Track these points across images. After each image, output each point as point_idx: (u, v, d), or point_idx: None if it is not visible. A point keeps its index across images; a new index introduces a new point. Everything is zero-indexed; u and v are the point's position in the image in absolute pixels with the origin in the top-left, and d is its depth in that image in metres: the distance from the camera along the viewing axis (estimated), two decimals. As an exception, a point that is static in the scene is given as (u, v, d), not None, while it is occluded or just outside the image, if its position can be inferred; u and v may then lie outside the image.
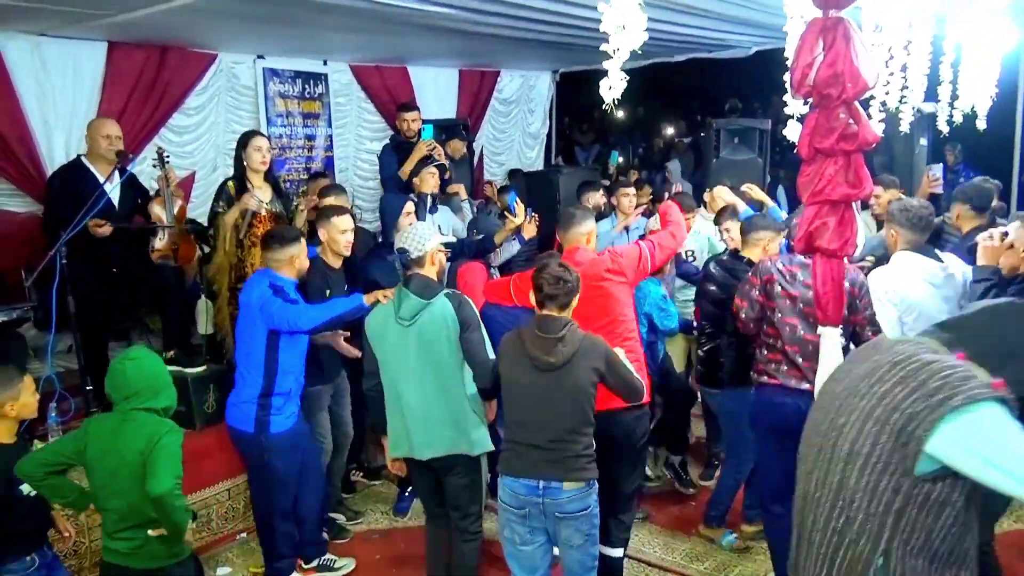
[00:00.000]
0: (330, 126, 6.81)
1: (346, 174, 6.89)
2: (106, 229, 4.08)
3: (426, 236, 3.18)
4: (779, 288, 3.24)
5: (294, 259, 3.46)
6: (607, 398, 2.90)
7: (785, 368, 3.21)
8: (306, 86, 6.57)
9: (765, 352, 3.32)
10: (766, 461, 3.40)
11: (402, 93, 7.06)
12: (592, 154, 11.35)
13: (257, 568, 3.85)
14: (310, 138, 6.69)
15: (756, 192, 4.67)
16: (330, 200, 4.31)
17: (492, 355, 3.06)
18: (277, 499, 3.54)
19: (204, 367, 4.30)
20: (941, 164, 6.48)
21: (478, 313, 3.15)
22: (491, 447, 3.16)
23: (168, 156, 4.46)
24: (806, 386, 3.07)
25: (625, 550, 3.47)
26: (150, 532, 2.58)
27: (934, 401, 1.47)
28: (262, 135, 4.51)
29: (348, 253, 3.83)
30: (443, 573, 3.33)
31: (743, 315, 3.39)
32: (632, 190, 5.47)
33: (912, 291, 3.11)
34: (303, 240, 3.56)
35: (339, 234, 3.77)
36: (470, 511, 3.20)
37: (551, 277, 2.76)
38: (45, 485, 2.69)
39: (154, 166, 4.40)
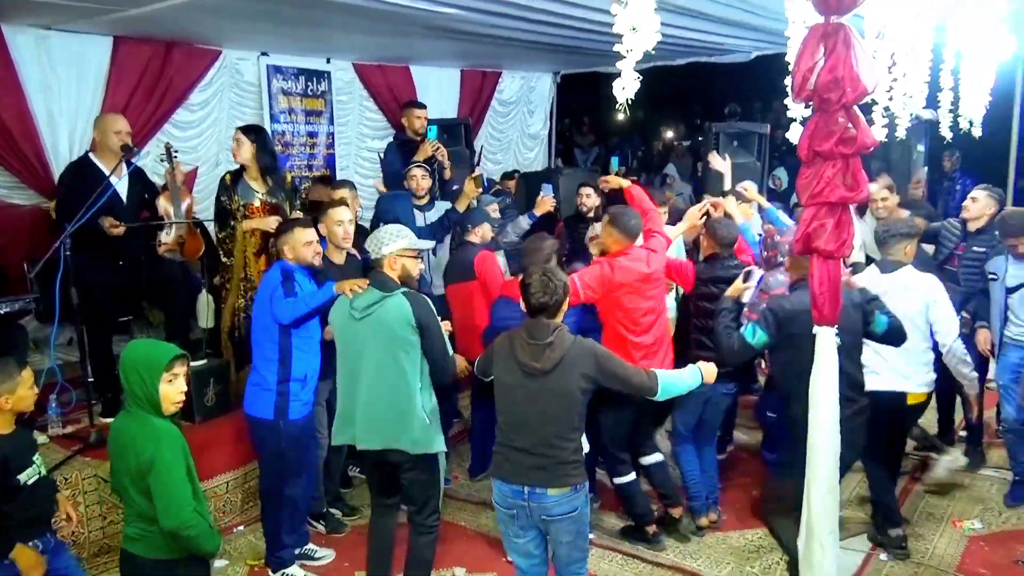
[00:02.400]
0: (332, 124, 6.85)
1: (347, 172, 6.93)
2: (120, 229, 4.13)
3: (383, 241, 3.19)
4: None
5: (288, 248, 3.54)
6: None
7: None
8: (309, 83, 6.61)
9: None
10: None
11: (404, 92, 7.10)
12: (591, 156, 11.39)
13: (254, 560, 3.88)
14: (312, 135, 6.72)
15: (752, 193, 4.70)
16: (343, 193, 4.42)
17: (451, 353, 3.18)
18: (291, 487, 3.61)
19: (204, 360, 4.34)
20: (925, 168, 6.60)
21: (435, 313, 3.18)
22: (437, 449, 3.17)
23: (176, 152, 4.50)
24: None
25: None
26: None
27: None
28: (240, 129, 4.40)
29: (346, 245, 3.89)
30: (385, 564, 3.38)
31: None
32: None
33: None
34: (297, 230, 3.58)
35: (335, 225, 3.83)
36: (425, 507, 3.23)
37: (539, 285, 2.76)
38: None
39: (161, 160, 4.45)
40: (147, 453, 2.41)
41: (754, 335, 3.24)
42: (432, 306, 3.17)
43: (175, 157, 4.41)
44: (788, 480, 3.15)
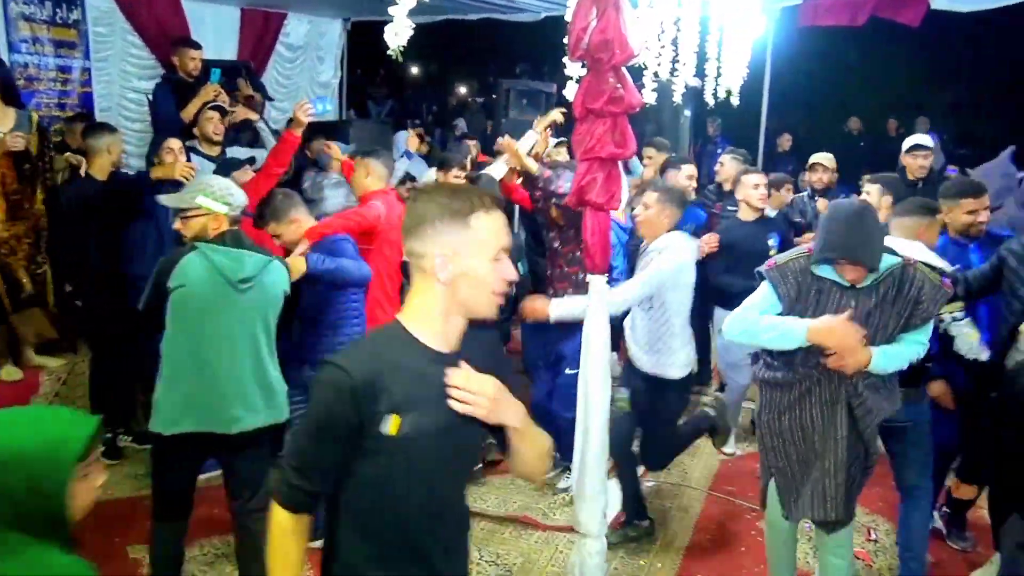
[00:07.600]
0: (88, 58, 6.09)
1: (109, 114, 6.20)
2: None
3: (231, 190, 2.80)
4: None
5: None
6: None
7: None
8: (58, 10, 5.80)
9: None
10: None
11: (175, 28, 6.46)
12: (385, 108, 11.19)
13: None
14: (64, 70, 5.94)
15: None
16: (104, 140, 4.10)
17: None
18: None
19: None
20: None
21: None
22: (288, 416, 2.92)
23: None
24: None
25: None
26: None
27: None
28: None
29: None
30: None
31: None
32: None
33: None
34: None
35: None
36: (262, 486, 2.87)
37: None
38: None
39: None
40: None
41: None
42: None
43: None
44: None
